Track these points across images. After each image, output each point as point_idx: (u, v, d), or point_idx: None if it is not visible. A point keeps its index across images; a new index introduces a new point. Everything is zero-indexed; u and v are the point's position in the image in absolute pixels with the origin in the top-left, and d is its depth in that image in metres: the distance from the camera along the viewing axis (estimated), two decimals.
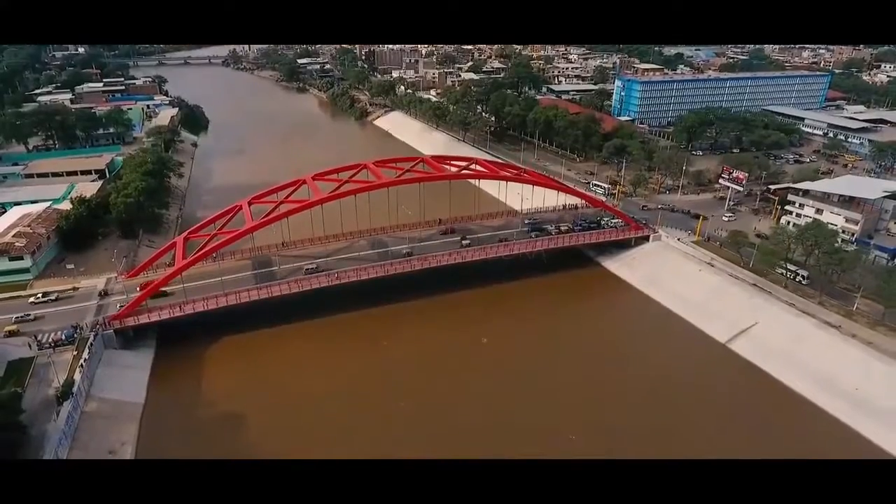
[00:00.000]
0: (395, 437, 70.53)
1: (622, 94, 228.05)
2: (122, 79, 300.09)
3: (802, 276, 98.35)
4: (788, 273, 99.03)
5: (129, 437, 69.42)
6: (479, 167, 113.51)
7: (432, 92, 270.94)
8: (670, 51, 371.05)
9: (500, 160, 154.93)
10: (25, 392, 69.30)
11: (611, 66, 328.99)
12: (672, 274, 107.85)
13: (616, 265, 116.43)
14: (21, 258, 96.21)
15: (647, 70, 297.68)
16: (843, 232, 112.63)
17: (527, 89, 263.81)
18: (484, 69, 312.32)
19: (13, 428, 60.89)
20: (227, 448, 67.56)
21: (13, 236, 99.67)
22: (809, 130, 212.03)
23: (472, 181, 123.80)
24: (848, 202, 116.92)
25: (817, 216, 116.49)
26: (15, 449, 60.17)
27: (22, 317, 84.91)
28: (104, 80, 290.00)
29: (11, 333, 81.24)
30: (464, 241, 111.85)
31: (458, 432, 70.28)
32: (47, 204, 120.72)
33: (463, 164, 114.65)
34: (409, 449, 67.71)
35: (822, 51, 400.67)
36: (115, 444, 67.78)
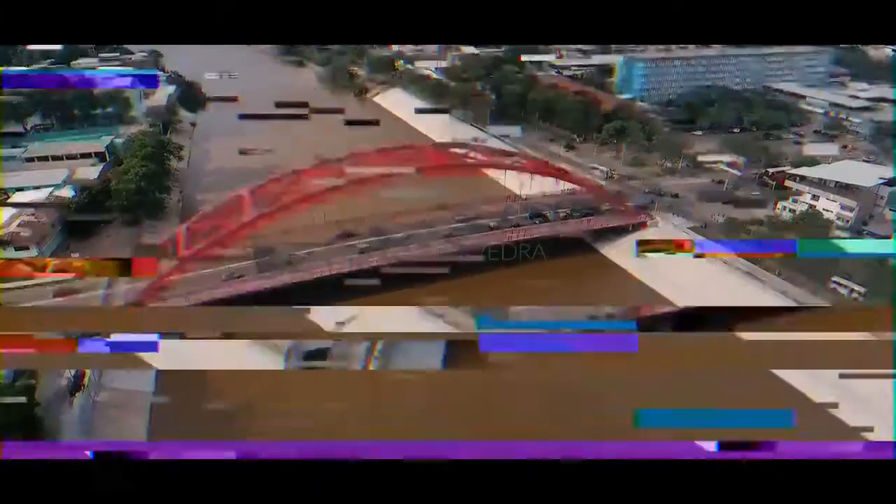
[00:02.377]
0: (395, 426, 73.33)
1: (624, 70, 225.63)
2: (118, 53, 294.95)
3: (858, 293, 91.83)
4: (843, 289, 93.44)
5: (142, 426, 72.27)
6: (479, 155, 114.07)
7: (433, 66, 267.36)
8: None
9: (499, 142, 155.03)
10: (38, 383, 71.64)
11: None
12: (667, 261, 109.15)
13: (613, 251, 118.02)
14: (27, 248, 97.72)
15: None
16: (839, 219, 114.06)
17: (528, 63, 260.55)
18: None
19: (30, 422, 63.44)
20: (237, 436, 70.09)
21: (18, 226, 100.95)
22: (810, 109, 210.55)
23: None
24: (844, 188, 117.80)
25: (814, 202, 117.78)
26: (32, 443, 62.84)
27: None
28: (99, 54, 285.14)
29: None
30: (491, 224, 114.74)
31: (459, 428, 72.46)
32: (49, 190, 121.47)
33: (462, 151, 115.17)
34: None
35: None
36: (128, 434, 70.62)
